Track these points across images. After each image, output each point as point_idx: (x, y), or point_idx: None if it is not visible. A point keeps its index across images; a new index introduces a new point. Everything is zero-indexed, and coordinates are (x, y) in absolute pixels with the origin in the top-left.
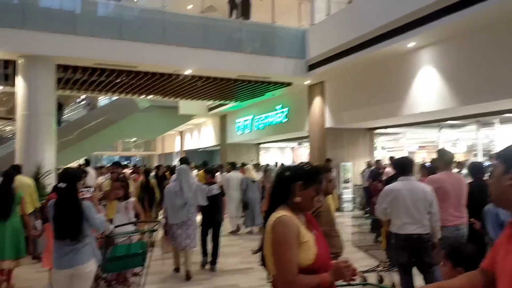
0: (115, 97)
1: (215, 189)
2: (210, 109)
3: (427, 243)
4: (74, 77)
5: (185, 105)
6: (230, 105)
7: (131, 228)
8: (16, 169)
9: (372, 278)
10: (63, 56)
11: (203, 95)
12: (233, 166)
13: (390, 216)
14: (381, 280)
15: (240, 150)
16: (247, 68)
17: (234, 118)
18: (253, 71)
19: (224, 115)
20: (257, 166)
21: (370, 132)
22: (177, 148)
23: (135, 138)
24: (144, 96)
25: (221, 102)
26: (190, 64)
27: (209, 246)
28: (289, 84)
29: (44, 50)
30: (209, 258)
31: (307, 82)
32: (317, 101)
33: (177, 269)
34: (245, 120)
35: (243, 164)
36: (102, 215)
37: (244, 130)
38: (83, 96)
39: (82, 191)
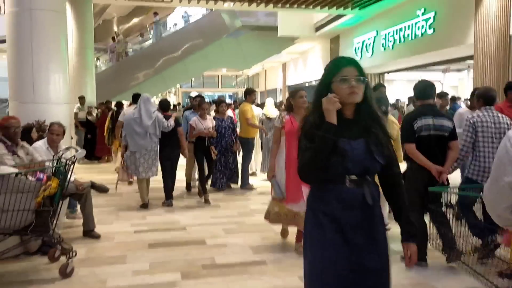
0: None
1: (171, 123)
2: (318, 28)
3: None
4: None
5: (286, 24)
6: (345, 18)
7: None
8: None
9: None
10: None
11: None
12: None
13: None
14: None
15: None
16: None
17: (351, 37)
18: None
19: (336, 36)
20: None
21: None
22: (279, 84)
23: (226, 69)
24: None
25: (333, 11)
26: None
27: None
28: None
29: None
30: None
31: None
32: None
33: (145, 205)
34: (366, 40)
35: None
36: None
37: (364, 54)
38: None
39: None
